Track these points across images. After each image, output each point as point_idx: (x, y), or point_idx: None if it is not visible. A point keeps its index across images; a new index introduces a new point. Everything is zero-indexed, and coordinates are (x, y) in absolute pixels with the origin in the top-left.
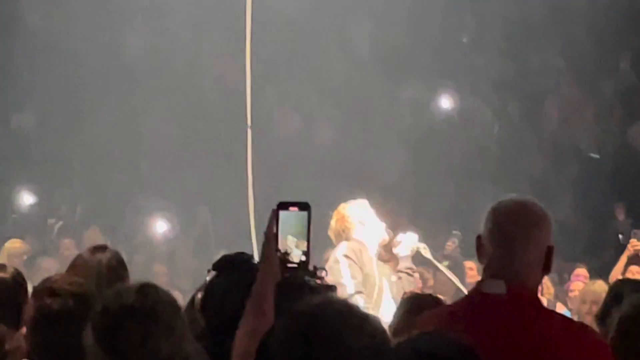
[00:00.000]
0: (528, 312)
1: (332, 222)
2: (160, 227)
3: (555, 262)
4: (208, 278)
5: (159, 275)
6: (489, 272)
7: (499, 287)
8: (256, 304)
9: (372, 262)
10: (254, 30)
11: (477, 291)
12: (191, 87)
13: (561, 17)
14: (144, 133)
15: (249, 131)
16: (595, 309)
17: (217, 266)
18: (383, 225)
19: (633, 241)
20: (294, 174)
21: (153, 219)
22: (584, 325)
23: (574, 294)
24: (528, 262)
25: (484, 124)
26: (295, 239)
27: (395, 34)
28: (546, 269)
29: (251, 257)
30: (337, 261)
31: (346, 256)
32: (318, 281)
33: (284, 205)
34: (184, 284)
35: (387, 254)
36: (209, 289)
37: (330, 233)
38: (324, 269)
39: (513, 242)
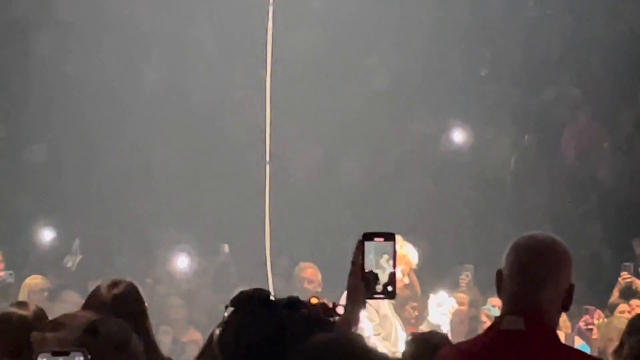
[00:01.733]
0: (546, 349)
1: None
2: (179, 262)
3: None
4: (226, 314)
5: (177, 311)
6: (508, 308)
7: (518, 324)
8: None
9: (385, 304)
10: (273, 65)
11: (496, 327)
12: (209, 121)
13: (578, 48)
14: (160, 166)
15: (268, 167)
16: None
17: (234, 302)
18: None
19: (624, 274)
20: (313, 209)
21: (171, 253)
22: None
23: (589, 327)
24: (548, 300)
25: (501, 156)
26: (385, 261)
27: (413, 67)
28: (565, 307)
29: (269, 292)
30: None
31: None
32: (336, 318)
33: (369, 236)
34: (202, 320)
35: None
36: (226, 325)
37: None
38: (342, 305)
39: (533, 280)
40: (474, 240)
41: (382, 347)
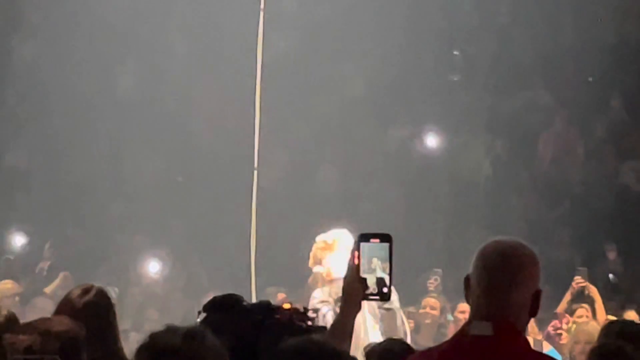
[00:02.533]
0: (515, 355)
1: (310, 263)
2: (151, 267)
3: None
4: (198, 320)
5: (150, 315)
6: (476, 313)
7: (486, 329)
8: (334, 334)
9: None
10: (247, 71)
11: (464, 333)
12: (182, 126)
13: (550, 54)
14: (134, 171)
15: (255, 173)
16: (589, 348)
17: (207, 308)
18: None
19: (577, 278)
20: (288, 214)
21: (144, 259)
22: None
23: (558, 331)
24: (515, 305)
25: (474, 161)
26: (380, 262)
27: (387, 73)
28: (533, 313)
29: (241, 298)
30: (316, 310)
31: (324, 302)
32: (309, 323)
33: (365, 237)
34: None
35: None
36: None
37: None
38: (314, 310)
39: (500, 285)
40: (446, 245)
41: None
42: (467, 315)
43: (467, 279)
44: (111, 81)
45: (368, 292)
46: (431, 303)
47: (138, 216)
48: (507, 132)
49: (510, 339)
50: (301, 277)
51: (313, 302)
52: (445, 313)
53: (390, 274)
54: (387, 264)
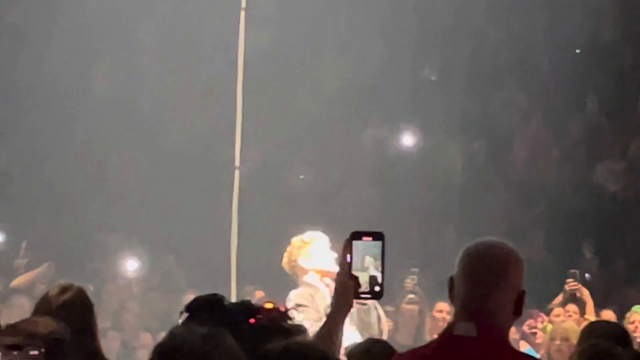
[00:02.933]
0: (498, 355)
1: (283, 262)
2: (130, 266)
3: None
4: (181, 320)
5: (129, 314)
6: (460, 314)
7: (470, 329)
8: (325, 333)
9: (326, 302)
10: (227, 70)
11: (448, 333)
12: (164, 125)
13: (527, 56)
14: (111, 171)
15: (237, 172)
16: (565, 346)
17: (189, 308)
18: (333, 256)
19: (570, 281)
20: (265, 213)
21: (123, 257)
22: None
23: (533, 330)
24: (499, 305)
25: (449, 162)
26: (372, 260)
27: (363, 73)
28: (517, 313)
29: (224, 298)
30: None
31: (299, 305)
32: (289, 322)
33: (357, 235)
34: (153, 324)
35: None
36: None
37: (286, 269)
38: (295, 308)
39: (484, 285)
40: (422, 245)
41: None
42: (444, 315)
43: (451, 280)
44: (89, 80)
45: (360, 290)
46: (411, 300)
47: (116, 215)
48: (483, 133)
49: (494, 340)
50: (279, 276)
51: (289, 306)
52: (423, 313)
53: (382, 273)
54: (380, 262)
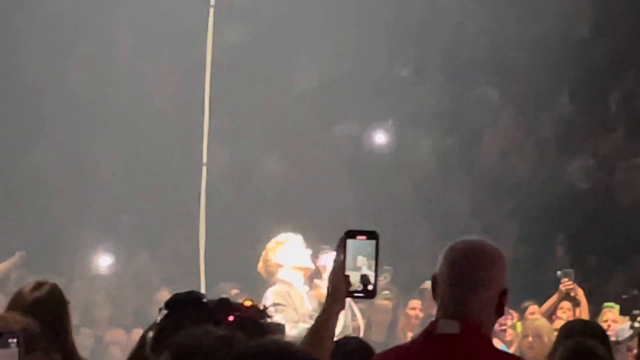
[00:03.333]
0: (481, 353)
1: (259, 267)
2: (102, 261)
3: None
4: (159, 317)
5: (101, 311)
6: (443, 312)
7: (452, 327)
8: (316, 332)
9: (302, 300)
10: (197, 66)
11: (431, 331)
12: (134, 120)
13: (500, 50)
14: (85, 165)
15: (204, 169)
16: (537, 343)
17: (168, 305)
18: (308, 254)
19: (565, 280)
20: (237, 209)
21: (95, 253)
22: None
23: (503, 328)
24: (481, 303)
25: (422, 158)
26: (366, 259)
27: (337, 68)
28: (499, 312)
29: (203, 295)
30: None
31: (276, 304)
32: (268, 320)
33: (351, 234)
34: (126, 319)
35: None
36: (160, 328)
37: (262, 274)
38: (274, 306)
39: (467, 283)
40: (395, 242)
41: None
42: (417, 312)
43: (434, 278)
44: (60, 74)
45: (352, 289)
46: (384, 296)
47: (89, 209)
48: (456, 128)
49: (476, 338)
50: (249, 272)
51: (266, 304)
52: (396, 310)
53: (376, 272)
54: (373, 262)
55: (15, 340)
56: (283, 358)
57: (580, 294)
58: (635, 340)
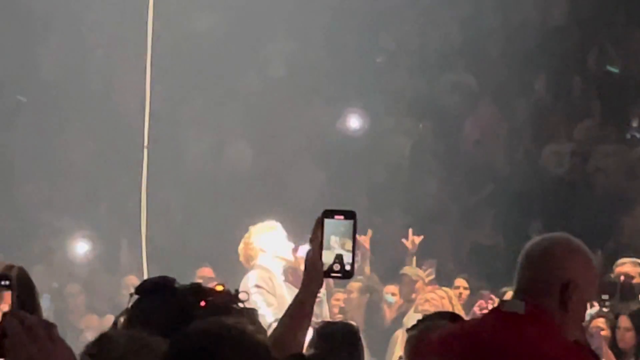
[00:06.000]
0: (541, 334)
1: (240, 248)
2: (76, 248)
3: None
4: (130, 303)
5: (75, 296)
6: (514, 294)
7: (518, 306)
8: (293, 311)
9: (282, 288)
10: (166, 48)
11: (496, 310)
12: (104, 106)
13: (475, 36)
14: (54, 152)
15: (145, 151)
16: None
17: (139, 290)
18: (290, 246)
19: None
20: (208, 195)
21: (67, 240)
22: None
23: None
24: (549, 290)
25: (397, 144)
26: (339, 239)
27: (309, 54)
28: (562, 303)
29: (174, 280)
30: (249, 293)
31: (258, 286)
32: (240, 305)
33: (329, 214)
34: (100, 305)
35: (293, 277)
36: (132, 313)
37: (240, 258)
38: (246, 292)
39: (536, 270)
40: (369, 228)
41: None
42: (398, 298)
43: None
44: (35, 59)
45: (329, 269)
46: (353, 286)
47: (60, 196)
48: (431, 115)
49: (540, 319)
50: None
51: (248, 284)
52: (370, 292)
53: (353, 252)
54: (350, 242)
55: (7, 282)
56: (224, 339)
57: None
58: (602, 322)
